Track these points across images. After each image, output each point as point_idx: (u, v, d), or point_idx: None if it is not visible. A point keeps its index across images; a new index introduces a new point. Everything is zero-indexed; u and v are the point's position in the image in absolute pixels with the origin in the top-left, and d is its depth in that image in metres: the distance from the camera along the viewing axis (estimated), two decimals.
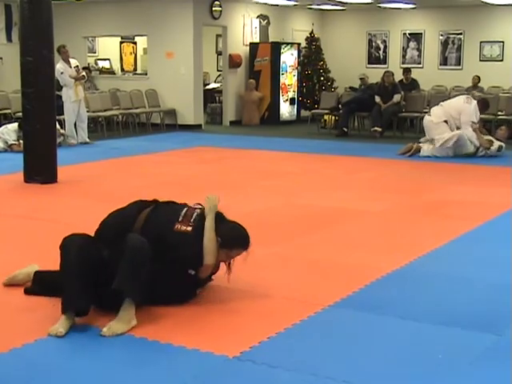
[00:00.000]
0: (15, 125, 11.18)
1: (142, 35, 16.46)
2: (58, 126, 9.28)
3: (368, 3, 16.50)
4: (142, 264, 3.84)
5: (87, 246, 3.98)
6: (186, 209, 4.30)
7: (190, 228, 4.15)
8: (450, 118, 10.85)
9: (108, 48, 18.71)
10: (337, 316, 4.05)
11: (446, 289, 4.58)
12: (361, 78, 16.15)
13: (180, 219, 4.19)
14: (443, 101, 11.54)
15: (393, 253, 5.40)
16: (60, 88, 11.39)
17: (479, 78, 15.48)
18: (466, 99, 11.01)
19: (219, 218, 4.27)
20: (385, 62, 18.33)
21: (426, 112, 13.99)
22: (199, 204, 4.43)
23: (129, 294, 3.83)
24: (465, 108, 10.80)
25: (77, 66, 12.12)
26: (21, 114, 11.17)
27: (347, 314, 4.08)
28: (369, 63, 18.56)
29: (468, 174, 9.40)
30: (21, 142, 10.72)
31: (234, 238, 4.22)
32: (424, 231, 6.15)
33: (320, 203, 7.25)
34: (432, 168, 9.90)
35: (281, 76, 16.21)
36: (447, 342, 3.69)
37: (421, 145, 10.97)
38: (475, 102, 10.93)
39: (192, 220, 4.20)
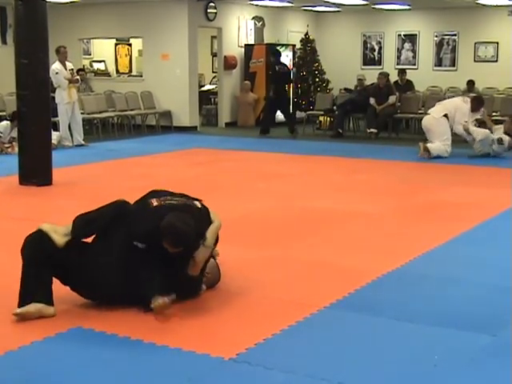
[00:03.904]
0: (7, 122, 11.26)
1: (137, 37, 16.45)
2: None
3: (363, 4, 16.53)
4: (26, 265, 3.99)
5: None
6: (178, 198, 4.27)
7: (156, 203, 4.13)
8: (449, 114, 10.88)
9: (103, 50, 18.68)
10: (332, 317, 4.05)
11: (442, 290, 4.59)
12: (359, 79, 16.17)
13: (161, 198, 4.18)
14: (439, 101, 11.59)
15: (389, 254, 5.41)
16: (54, 90, 11.39)
17: (473, 82, 15.44)
18: (462, 99, 11.13)
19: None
20: (380, 64, 18.35)
21: (421, 113, 14.07)
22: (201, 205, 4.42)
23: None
24: (462, 107, 10.89)
25: (72, 69, 12.12)
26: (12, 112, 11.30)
27: (343, 316, 4.08)
28: (364, 64, 18.59)
29: (466, 175, 9.40)
30: (14, 143, 10.75)
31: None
32: (420, 232, 6.15)
33: (316, 205, 7.25)
34: (429, 169, 9.90)
35: None
36: (443, 342, 3.70)
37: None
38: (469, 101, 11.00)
39: (169, 201, 4.14)
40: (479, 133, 10.78)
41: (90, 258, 4.06)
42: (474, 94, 13.13)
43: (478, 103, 11.05)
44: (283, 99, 14.56)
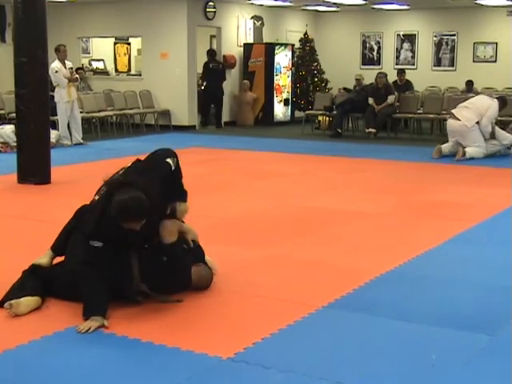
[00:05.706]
0: (12, 126, 11.21)
1: (136, 36, 16.45)
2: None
3: (362, 4, 16.54)
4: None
5: None
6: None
7: (97, 197, 4.14)
8: (481, 115, 10.67)
9: (102, 49, 18.67)
10: (330, 317, 4.05)
11: (440, 290, 4.58)
12: (357, 79, 16.17)
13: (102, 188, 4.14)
14: (459, 102, 11.34)
15: (387, 254, 5.40)
16: (53, 89, 11.37)
17: (472, 82, 15.41)
18: (491, 98, 10.99)
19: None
20: (379, 63, 18.37)
21: (419, 113, 14.06)
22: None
23: None
24: (492, 104, 10.75)
25: (71, 68, 12.11)
26: (14, 115, 11.24)
27: (341, 315, 4.08)
28: (363, 64, 18.60)
29: (466, 175, 9.37)
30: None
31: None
32: (418, 232, 6.15)
33: (314, 204, 7.25)
34: (428, 168, 9.90)
35: (275, 77, 16.22)
36: (441, 342, 3.69)
37: (467, 149, 10.62)
38: (496, 99, 10.95)
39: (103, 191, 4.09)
40: (507, 137, 10.81)
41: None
42: (472, 94, 13.14)
43: (503, 103, 11.04)
44: (217, 95, 15.43)
